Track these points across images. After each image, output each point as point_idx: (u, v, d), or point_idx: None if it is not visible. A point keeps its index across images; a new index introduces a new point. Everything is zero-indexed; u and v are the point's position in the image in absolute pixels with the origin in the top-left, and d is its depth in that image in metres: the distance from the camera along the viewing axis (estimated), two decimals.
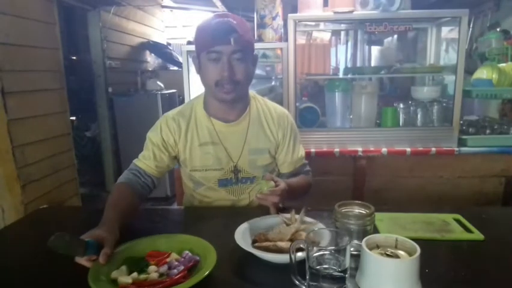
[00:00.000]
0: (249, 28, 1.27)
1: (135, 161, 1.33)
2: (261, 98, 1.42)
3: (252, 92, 1.40)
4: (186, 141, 1.31)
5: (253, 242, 0.98)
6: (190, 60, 2.43)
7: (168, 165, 1.35)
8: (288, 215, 1.07)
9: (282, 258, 0.87)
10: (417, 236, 1.02)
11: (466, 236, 1.05)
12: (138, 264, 0.89)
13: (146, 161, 1.31)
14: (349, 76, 2.58)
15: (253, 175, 1.34)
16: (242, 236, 0.98)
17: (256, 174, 1.34)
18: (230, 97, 1.23)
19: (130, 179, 1.28)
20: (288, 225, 1.03)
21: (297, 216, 1.05)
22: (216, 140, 1.30)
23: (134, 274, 0.85)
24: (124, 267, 0.88)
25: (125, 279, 0.83)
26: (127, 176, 1.29)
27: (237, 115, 1.32)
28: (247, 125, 1.33)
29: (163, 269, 0.87)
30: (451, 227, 1.11)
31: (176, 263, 0.88)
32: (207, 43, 1.17)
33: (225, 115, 1.31)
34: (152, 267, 0.87)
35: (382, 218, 1.13)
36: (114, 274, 0.85)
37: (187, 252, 0.92)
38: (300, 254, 0.81)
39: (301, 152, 1.42)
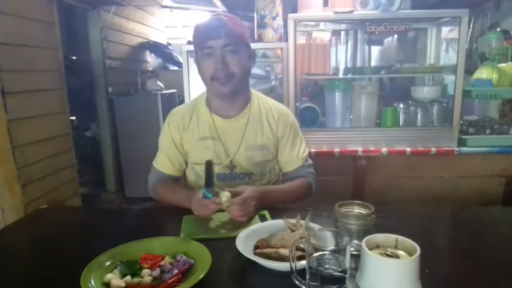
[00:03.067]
0: (241, 24, 1.30)
1: (154, 163, 1.44)
2: (264, 96, 1.43)
3: (254, 91, 1.42)
4: (188, 134, 1.36)
5: (255, 248, 0.95)
6: (191, 60, 2.43)
7: (186, 161, 1.43)
8: (293, 221, 1.02)
9: (283, 266, 0.84)
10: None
11: None
12: (131, 268, 0.88)
13: (164, 165, 1.41)
14: (349, 76, 2.58)
15: (251, 171, 1.35)
16: (243, 242, 0.95)
17: (254, 171, 1.35)
18: (226, 89, 1.25)
19: (157, 180, 1.41)
20: (292, 231, 0.99)
21: (302, 221, 1.01)
22: (215, 135, 1.33)
23: (128, 278, 0.84)
24: (116, 271, 0.87)
25: (118, 282, 0.82)
26: (153, 179, 1.43)
27: (237, 111, 1.34)
28: (246, 121, 1.34)
29: (156, 272, 0.85)
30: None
31: (170, 266, 0.87)
32: (200, 40, 1.23)
33: (225, 111, 1.34)
34: (145, 271, 0.86)
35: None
36: (107, 277, 0.83)
37: (181, 255, 0.91)
38: (302, 263, 0.79)
39: (302, 152, 1.39)
